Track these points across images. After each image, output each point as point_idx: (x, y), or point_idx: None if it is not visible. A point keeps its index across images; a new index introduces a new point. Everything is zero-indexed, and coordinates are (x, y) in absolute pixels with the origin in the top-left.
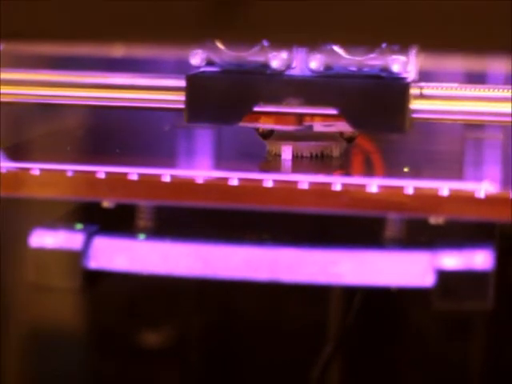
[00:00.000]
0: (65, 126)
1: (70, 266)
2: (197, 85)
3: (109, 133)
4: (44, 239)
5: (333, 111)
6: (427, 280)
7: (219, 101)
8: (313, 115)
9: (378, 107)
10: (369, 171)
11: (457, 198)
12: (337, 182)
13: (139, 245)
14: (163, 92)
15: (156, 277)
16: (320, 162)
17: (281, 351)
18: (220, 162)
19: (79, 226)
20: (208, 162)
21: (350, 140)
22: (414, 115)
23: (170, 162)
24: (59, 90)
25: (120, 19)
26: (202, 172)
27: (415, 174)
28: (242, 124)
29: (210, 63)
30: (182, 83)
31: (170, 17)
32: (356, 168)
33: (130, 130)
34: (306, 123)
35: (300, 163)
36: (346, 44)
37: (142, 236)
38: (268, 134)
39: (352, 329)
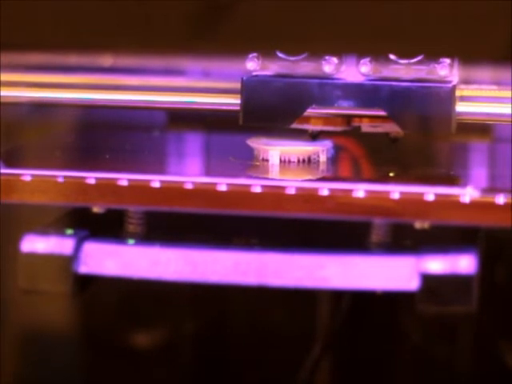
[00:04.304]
0: (55, 130)
1: (61, 271)
2: (252, 88)
3: (99, 137)
4: (35, 244)
5: (381, 113)
6: (412, 284)
7: (273, 103)
8: (361, 117)
9: (425, 109)
10: (356, 176)
11: (442, 203)
12: (324, 187)
13: (129, 249)
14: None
15: (146, 281)
16: (307, 167)
17: (270, 353)
18: (208, 167)
19: (70, 231)
20: (196, 168)
21: (394, 140)
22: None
23: (159, 168)
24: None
25: (108, 28)
26: (190, 178)
27: (401, 178)
28: (293, 126)
29: (264, 68)
30: (236, 86)
31: (159, 25)
32: (343, 173)
33: (119, 135)
34: (355, 124)
35: (287, 168)
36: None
37: (131, 241)
38: (317, 135)
39: (339, 331)
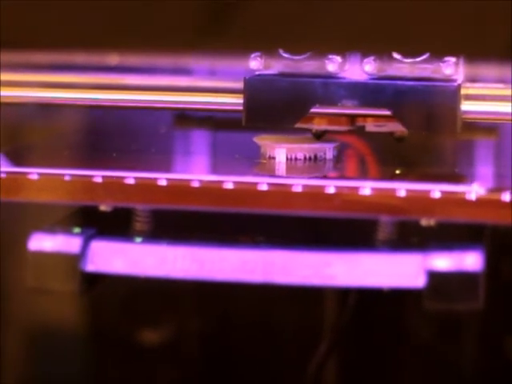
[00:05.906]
0: (63, 129)
1: (68, 270)
2: (255, 87)
3: (106, 136)
4: (42, 243)
5: (386, 112)
6: (419, 281)
7: (277, 103)
8: (366, 116)
9: (430, 108)
10: (362, 174)
11: (448, 201)
12: (330, 185)
13: (136, 248)
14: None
15: (153, 279)
16: (313, 165)
17: (276, 351)
18: (215, 165)
19: (77, 229)
20: (203, 166)
21: (399, 140)
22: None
23: (165, 166)
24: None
25: (115, 28)
26: (197, 176)
27: (407, 176)
28: (297, 125)
29: (267, 67)
30: (239, 85)
31: (166, 25)
32: (349, 170)
33: (126, 133)
34: (359, 124)
35: (294, 166)
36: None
37: (138, 239)
38: (321, 135)
39: (346, 329)
